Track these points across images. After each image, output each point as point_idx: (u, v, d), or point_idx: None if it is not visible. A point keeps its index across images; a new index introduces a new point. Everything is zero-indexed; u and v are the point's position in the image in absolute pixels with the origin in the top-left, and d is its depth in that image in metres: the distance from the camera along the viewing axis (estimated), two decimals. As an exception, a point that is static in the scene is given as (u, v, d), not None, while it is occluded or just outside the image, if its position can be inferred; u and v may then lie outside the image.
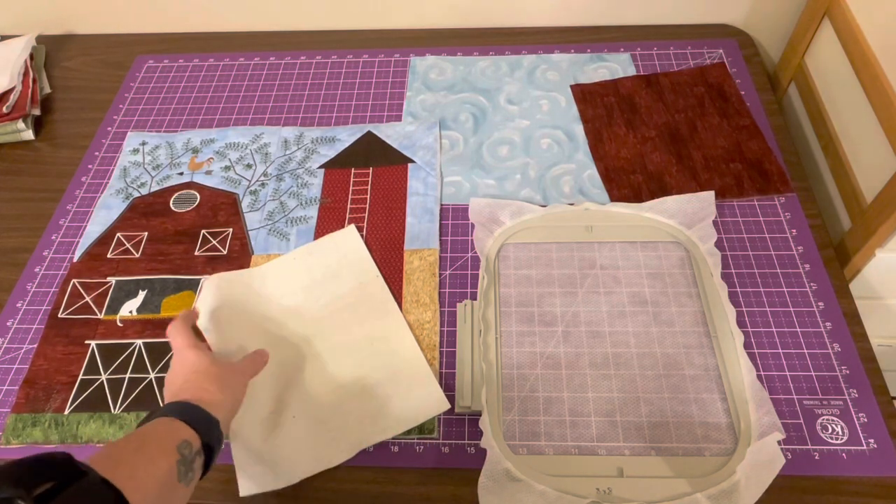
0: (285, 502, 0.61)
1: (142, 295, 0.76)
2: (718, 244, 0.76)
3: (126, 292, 0.76)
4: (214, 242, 0.80)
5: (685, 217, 0.78)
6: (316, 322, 0.72)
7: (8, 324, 0.75)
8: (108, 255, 0.79)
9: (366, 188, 0.84)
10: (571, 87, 0.95)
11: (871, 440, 0.62)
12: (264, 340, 0.68)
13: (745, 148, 0.85)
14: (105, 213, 0.84)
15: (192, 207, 0.84)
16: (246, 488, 0.60)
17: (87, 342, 0.72)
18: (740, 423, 0.62)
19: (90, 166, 0.90)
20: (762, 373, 0.66)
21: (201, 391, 0.55)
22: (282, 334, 0.71)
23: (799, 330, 0.69)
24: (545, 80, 0.97)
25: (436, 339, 0.70)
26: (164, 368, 0.70)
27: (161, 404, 0.66)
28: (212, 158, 0.89)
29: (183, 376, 0.57)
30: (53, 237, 0.82)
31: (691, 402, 0.65)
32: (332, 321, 0.72)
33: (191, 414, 0.52)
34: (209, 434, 0.52)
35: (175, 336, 0.60)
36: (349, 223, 0.81)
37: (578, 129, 0.89)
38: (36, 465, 0.41)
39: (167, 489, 0.46)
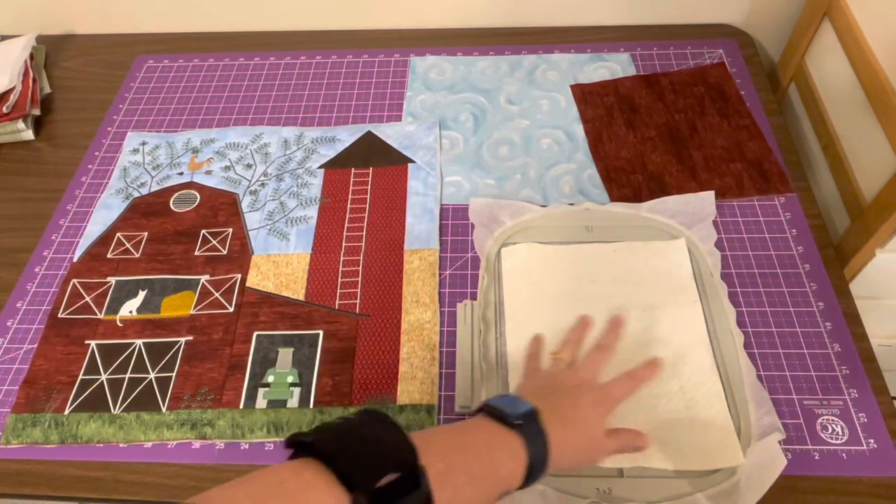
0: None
1: (142, 295, 0.76)
2: (718, 244, 0.76)
3: (126, 292, 0.76)
4: (214, 242, 0.80)
5: (685, 217, 0.78)
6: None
7: (8, 324, 0.75)
8: (108, 255, 0.79)
9: (366, 188, 0.84)
10: (571, 87, 0.95)
11: (871, 440, 0.62)
12: (570, 320, 0.67)
13: (745, 148, 0.85)
14: (105, 213, 0.84)
15: (192, 207, 0.84)
16: None
17: (87, 342, 0.72)
18: (740, 423, 0.62)
19: (90, 166, 0.90)
20: (762, 373, 0.66)
21: (561, 441, 0.50)
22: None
23: (799, 330, 0.69)
24: (545, 80, 0.97)
25: (436, 339, 0.70)
26: (164, 368, 0.69)
27: (162, 405, 0.66)
28: (212, 158, 0.89)
29: (571, 420, 0.52)
30: (53, 237, 0.82)
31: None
32: (638, 327, 0.68)
33: (536, 458, 0.47)
34: (533, 478, 0.48)
35: (620, 389, 0.57)
36: (350, 223, 0.81)
37: (578, 129, 0.89)
38: (383, 452, 0.40)
39: None
